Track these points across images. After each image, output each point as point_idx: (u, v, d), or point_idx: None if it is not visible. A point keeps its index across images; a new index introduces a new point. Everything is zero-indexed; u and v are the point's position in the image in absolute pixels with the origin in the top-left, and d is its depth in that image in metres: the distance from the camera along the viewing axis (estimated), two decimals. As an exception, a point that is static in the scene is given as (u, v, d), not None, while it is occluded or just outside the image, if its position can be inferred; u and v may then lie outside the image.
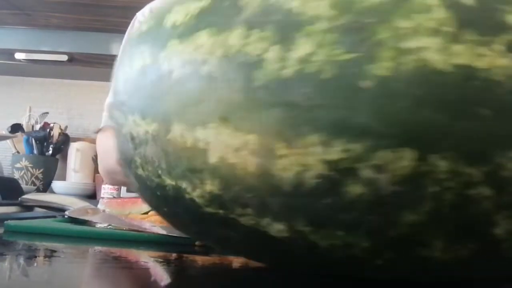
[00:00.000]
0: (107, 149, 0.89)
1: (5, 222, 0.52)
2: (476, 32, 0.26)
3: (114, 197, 0.97)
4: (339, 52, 0.27)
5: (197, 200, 0.31)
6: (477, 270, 0.31)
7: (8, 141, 2.16)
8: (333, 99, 0.27)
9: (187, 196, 0.32)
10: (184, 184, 0.32)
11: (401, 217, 0.27)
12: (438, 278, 0.32)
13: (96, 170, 2.02)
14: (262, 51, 0.29)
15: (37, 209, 0.78)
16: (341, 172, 0.27)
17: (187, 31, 0.32)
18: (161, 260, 0.40)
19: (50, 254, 0.39)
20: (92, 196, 1.93)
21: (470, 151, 0.26)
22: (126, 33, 1.15)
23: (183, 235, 0.47)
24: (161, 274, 0.35)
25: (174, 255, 0.42)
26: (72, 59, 2.05)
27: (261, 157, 0.28)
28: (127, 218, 0.58)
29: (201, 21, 0.32)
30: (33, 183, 2.07)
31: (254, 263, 0.38)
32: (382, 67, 0.26)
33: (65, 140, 2.14)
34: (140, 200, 0.60)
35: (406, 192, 0.27)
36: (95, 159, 2.03)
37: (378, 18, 0.27)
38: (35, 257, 0.38)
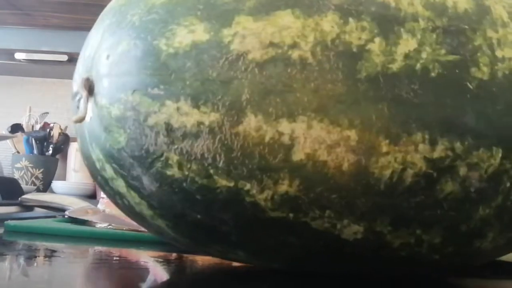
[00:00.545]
0: None
1: (5, 222, 0.52)
2: None
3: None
4: (443, 52, 0.28)
5: (262, 203, 0.28)
6: (496, 256, 0.34)
7: (8, 141, 2.16)
8: (441, 98, 0.27)
9: (248, 199, 0.28)
10: (248, 186, 0.28)
11: (476, 212, 0.29)
12: (467, 268, 0.35)
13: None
14: (365, 41, 0.27)
15: (37, 209, 0.78)
16: (440, 170, 0.28)
17: (262, 8, 0.28)
18: (161, 260, 0.40)
19: (50, 254, 0.39)
20: (92, 196, 1.93)
21: None
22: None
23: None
24: (161, 274, 0.35)
25: (174, 255, 0.42)
26: (72, 59, 2.05)
27: (359, 154, 0.27)
28: (127, 218, 0.58)
29: None
30: (33, 183, 2.07)
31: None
32: (482, 71, 0.28)
33: (65, 140, 2.15)
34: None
35: (488, 188, 0.29)
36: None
37: (470, 26, 0.29)
38: (35, 257, 0.38)
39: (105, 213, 0.61)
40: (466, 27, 0.29)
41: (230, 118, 0.27)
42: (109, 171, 0.31)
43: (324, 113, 0.27)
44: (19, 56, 2.10)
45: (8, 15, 2.08)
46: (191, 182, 0.28)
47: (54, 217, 0.66)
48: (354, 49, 0.27)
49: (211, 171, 0.28)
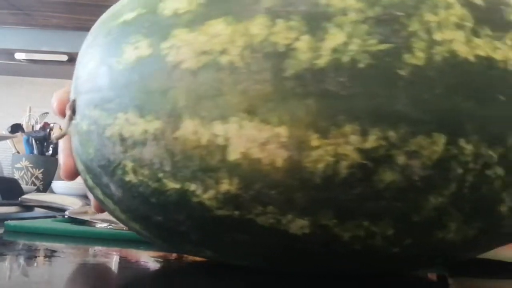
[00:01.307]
0: None
1: (5, 222, 0.52)
2: (489, 28, 0.29)
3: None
4: (374, 42, 0.28)
5: (207, 202, 0.29)
6: (478, 249, 0.33)
7: (8, 141, 2.15)
8: (370, 88, 0.27)
9: (194, 199, 0.29)
10: (192, 187, 0.29)
11: (427, 201, 0.28)
12: (440, 261, 0.33)
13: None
14: (291, 40, 0.28)
15: (37, 209, 0.78)
16: (376, 160, 0.27)
17: (197, 19, 0.30)
18: (161, 260, 0.40)
19: (50, 254, 0.39)
20: (92, 196, 1.93)
21: (490, 134, 0.28)
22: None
23: None
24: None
25: (174, 255, 0.42)
26: (72, 59, 2.04)
27: (291, 150, 0.28)
28: None
29: (211, 9, 0.30)
30: (33, 183, 2.07)
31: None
32: (416, 57, 0.28)
33: (65, 140, 2.14)
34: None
35: (435, 176, 0.28)
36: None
37: (406, 12, 0.29)
38: (35, 257, 0.38)
39: (105, 213, 0.61)
40: (401, 14, 0.28)
41: (170, 124, 0.29)
42: (89, 181, 0.34)
43: (254, 113, 0.28)
44: (19, 56, 2.09)
45: (8, 15, 2.08)
46: (145, 187, 0.31)
47: (54, 217, 0.66)
48: (281, 49, 0.28)
49: (160, 175, 0.30)
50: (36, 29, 2.13)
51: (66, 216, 0.61)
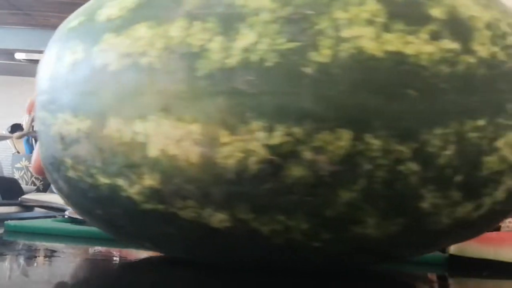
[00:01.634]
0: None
1: (5, 222, 0.52)
2: (404, 22, 0.29)
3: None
4: (282, 41, 0.28)
5: (135, 197, 0.31)
6: (405, 246, 0.32)
7: (8, 141, 2.15)
8: (276, 86, 0.28)
9: (123, 194, 0.31)
10: (120, 182, 0.31)
11: (337, 196, 0.28)
12: (370, 257, 0.33)
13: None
14: (205, 41, 0.29)
15: (37, 209, 0.78)
16: (283, 155, 0.28)
17: (124, 24, 0.32)
18: (161, 259, 0.40)
19: (50, 254, 0.39)
20: (92, 196, 1.93)
21: (400, 130, 0.28)
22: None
23: None
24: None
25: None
26: (72, 59, 2.05)
27: (204, 147, 0.29)
28: None
29: (138, 14, 0.32)
30: (33, 183, 2.07)
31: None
32: (322, 55, 0.28)
33: (65, 140, 2.15)
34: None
35: (343, 171, 0.28)
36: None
37: (317, 10, 0.29)
38: (35, 257, 0.38)
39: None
40: (312, 12, 0.29)
41: (98, 123, 0.31)
42: (48, 177, 0.37)
43: (169, 111, 0.29)
44: (19, 56, 2.10)
45: (8, 15, 2.08)
46: (83, 182, 0.33)
47: (54, 217, 0.66)
48: (195, 50, 0.29)
49: (93, 171, 0.32)
50: (36, 29, 2.13)
51: (66, 216, 0.61)
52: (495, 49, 0.30)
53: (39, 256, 0.38)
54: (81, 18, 0.34)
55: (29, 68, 2.17)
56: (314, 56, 0.28)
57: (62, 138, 0.33)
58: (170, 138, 0.29)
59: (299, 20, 0.29)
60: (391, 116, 0.28)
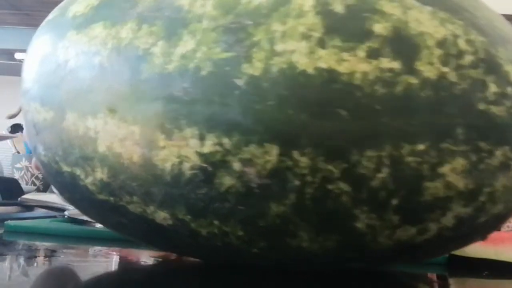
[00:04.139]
0: None
1: (5, 222, 0.52)
2: (341, 38, 0.27)
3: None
4: (218, 51, 0.28)
5: (90, 187, 0.33)
6: (348, 260, 0.32)
7: (8, 141, 2.16)
8: (209, 95, 0.28)
9: (81, 183, 0.33)
10: (78, 171, 0.33)
11: (268, 208, 0.29)
12: (311, 266, 0.33)
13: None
14: (150, 45, 0.30)
15: (37, 209, 0.78)
16: (214, 164, 0.28)
17: (84, 22, 0.33)
18: (161, 260, 0.40)
19: (50, 254, 0.39)
20: (92, 196, 1.93)
21: (329, 149, 0.27)
22: None
23: None
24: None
25: (174, 255, 0.42)
26: (72, 59, 2.05)
27: (143, 148, 0.30)
28: None
29: (98, 13, 0.33)
30: (33, 183, 2.07)
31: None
32: (254, 67, 0.27)
33: (65, 140, 2.15)
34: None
35: (272, 185, 0.28)
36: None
37: (255, 21, 0.28)
38: (35, 257, 0.38)
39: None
40: (250, 22, 0.28)
41: (59, 115, 0.33)
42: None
43: (115, 111, 0.30)
44: (19, 56, 2.09)
45: (8, 15, 2.08)
46: (51, 167, 0.35)
47: (54, 217, 0.66)
48: (140, 53, 0.30)
49: (57, 158, 0.34)
50: (36, 29, 2.13)
51: (66, 216, 0.61)
52: (445, 69, 0.27)
53: (39, 256, 0.38)
54: (56, 13, 0.36)
55: (29, 68, 2.17)
56: (246, 68, 0.28)
57: (35, 125, 0.35)
58: (115, 136, 0.30)
59: (236, 30, 0.28)
60: (318, 134, 0.27)
